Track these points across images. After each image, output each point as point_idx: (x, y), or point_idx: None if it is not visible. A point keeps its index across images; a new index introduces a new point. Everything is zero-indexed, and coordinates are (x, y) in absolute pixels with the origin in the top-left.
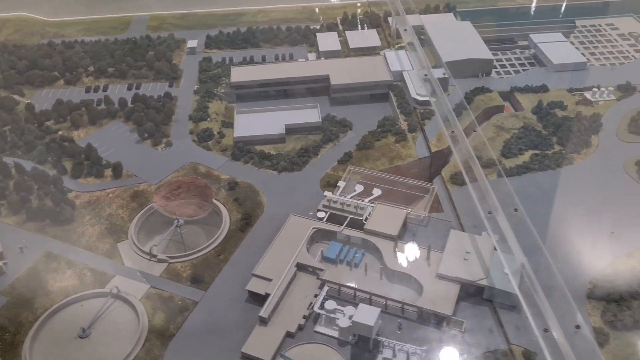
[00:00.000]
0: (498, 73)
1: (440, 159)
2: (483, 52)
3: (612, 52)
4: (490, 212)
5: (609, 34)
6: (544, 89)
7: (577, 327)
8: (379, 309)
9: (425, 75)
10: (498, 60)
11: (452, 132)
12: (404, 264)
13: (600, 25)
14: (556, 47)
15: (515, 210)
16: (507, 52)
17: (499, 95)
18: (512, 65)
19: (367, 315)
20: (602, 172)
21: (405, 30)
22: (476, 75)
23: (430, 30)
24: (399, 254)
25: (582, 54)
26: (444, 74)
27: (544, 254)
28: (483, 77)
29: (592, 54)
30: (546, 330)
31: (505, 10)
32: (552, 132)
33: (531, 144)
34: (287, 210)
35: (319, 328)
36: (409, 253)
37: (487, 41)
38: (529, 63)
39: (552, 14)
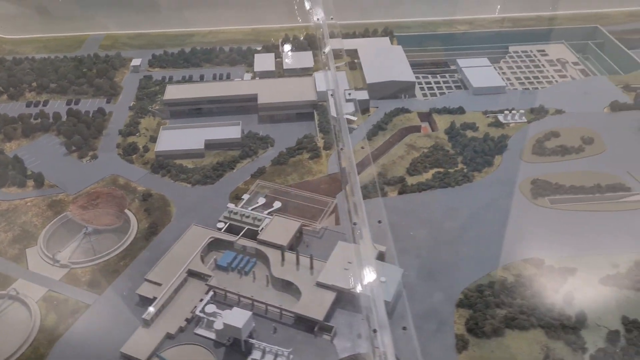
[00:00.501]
0: (425, 95)
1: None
2: (407, 74)
3: (537, 76)
4: (355, 223)
5: (538, 60)
6: (460, 110)
7: (404, 328)
8: (250, 313)
9: (331, 95)
10: (427, 83)
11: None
12: (288, 272)
13: (531, 51)
14: (478, 72)
15: (379, 222)
16: (437, 75)
17: (417, 116)
18: (440, 88)
19: (237, 318)
20: (496, 189)
21: (324, 52)
22: (399, 97)
23: (362, 53)
24: (284, 263)
25: (508, 78)
26: (349, 94)
27: (409, 263)
28: (406, 98)
29: (518, 78)
30: (375, 331)
31: (445, 35)
32: (459, 152)
33: (436, 162)
34: (193, 221)
35: (199, 330)
36: (294, 262)
37: (422, 65)
38: (455, 86)
39: (488, 39)
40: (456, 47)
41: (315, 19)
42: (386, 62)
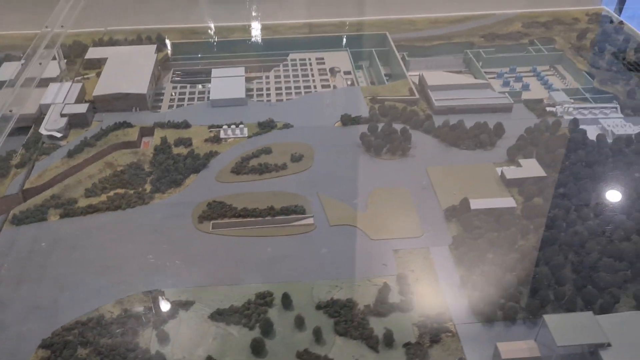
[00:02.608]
0: (171, 107)
1: (31, 196)
2: (139, 87)
3: (299, 87)
4: None
5: (311, 68)
6: (185, 124)
7: None
8: None
9: (11, 111)
10: (182, 94)
11: None
12: None
13: (309, 59)
14: (225, 82)
15: None
16: (197, 85)
17: (141, 131)
18: (192, 100)
19: None
20: (168, 213)
21: (40, 63)
22: (130, 109)
23: (110, 63)
24: None
25: (268, 88)
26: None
27: None
28: (137, 111)
29: (279, 88)
30: None
31: (227, 42)
32: (154, 170)
33: (121, 182)
34: None
35: None
36: None
37: (187, 74)
38: (208, 97)
39: (271, 46)
40: (235, 55)
41: (44, 26)
42: (128, 72)
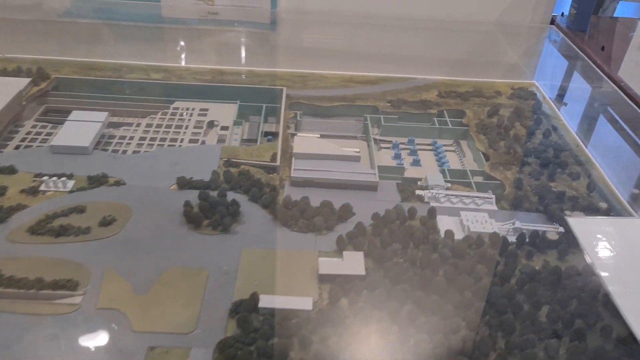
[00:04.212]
0: (19, 147)
1: None
2: None
3: (165, 138)
4: None
5: (189, 120)
6: (9, 170)
7: None
8: None
9: None
10: (39, 133)
11: None
12: None
13: (193, 109)
14: (75, 127)
15: None
16: (58, 126)
17: None
18: (44, 141)
19: None
20: None
21: None
22: None
23: None
24: None
25: (131, 137)
26: None
27: None
28: None
29: (144, 137)
30: None
31: (107, 82)
32: None
33: None
34: None
35: None
36: None
37: (57, 112)
38: None
39: (163, 91)
40: (118, 97)
41: None
42: None
